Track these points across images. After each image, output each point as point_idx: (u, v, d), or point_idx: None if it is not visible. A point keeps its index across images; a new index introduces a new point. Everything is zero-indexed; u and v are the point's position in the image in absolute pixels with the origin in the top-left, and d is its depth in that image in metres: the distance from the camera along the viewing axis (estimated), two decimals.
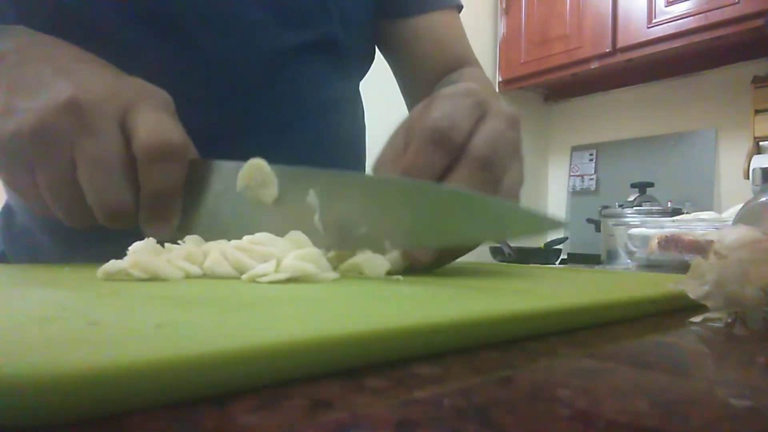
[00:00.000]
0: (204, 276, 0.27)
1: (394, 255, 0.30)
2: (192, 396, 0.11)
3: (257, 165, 0.32)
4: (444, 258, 0.34)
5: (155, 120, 0.32)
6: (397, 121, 0.35)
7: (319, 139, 0.51)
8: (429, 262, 0.32)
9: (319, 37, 0.49)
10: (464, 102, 0.32)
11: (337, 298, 0.21)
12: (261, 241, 0.28)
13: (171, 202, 0.33)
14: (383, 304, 0.19)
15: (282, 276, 0.25)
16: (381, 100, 0.64)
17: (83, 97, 0.31)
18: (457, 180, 0.30)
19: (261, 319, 0.15)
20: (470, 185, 0.30)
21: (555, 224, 0.26)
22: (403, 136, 0.33)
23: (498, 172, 0.31)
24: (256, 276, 0.25)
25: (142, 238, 0.28)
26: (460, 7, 0.62)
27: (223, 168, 0.34)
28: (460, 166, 0.31)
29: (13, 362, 0.10)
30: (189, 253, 0.27)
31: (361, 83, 0.60)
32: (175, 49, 0.43)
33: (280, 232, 0.29)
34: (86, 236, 0.45)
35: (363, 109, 0.60)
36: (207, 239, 0.30)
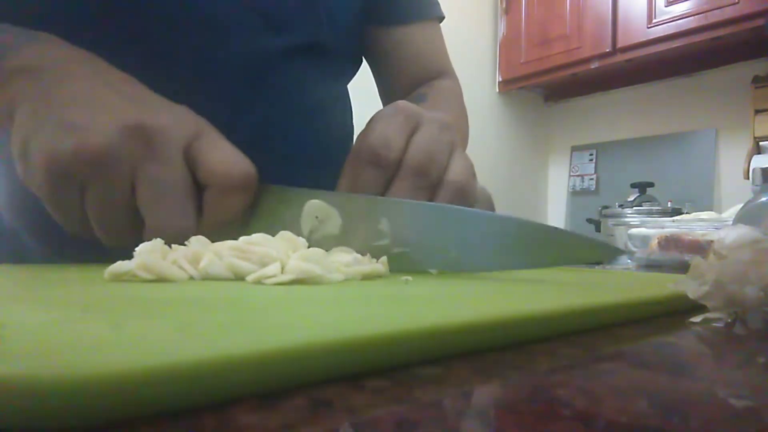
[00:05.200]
0: (207, 277, 0.27)
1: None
2: (226, 397, 0.11)
3: (315, 206, 0.33)
4: None
5: (228, 150, 0.33)
6: None
7: (308, 141, 0.51)
8: None
9: (306, 40, 0.49)
10: (396, 119, 0.36)
11: (354, 300, 0.20)
12: (257, 241, 0.28)
13: (230, 230, 0.34)
14: (403, 306, 0.19)
15: (288, 277, 0.24)
16: (369, 100, 0.65)
17: (151, 121, 0.31)
18: (397, 190, 0.34)
19: (285, 322, 0.15)
20: (409, 192, 0.34)
21: (614, 252, 0.29)
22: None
23: (434, 175, 0.35)
24: (262, 277, 0.25)
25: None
26: (441, 18, 0.63)
27: (275, 191, 0.35)
28: (397, 178, 0.34)
29: (44, 365, 0.09)
30: (195, 254, 0.27)
31: (349, 84, 0.61)
32: (160, 52, 0.43)
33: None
34: (74, 240, 0.45)
35: (351, 110, 0.61)
36: None
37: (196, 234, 0.32)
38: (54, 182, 0.30)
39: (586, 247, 0.28)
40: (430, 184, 0.35)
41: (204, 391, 0.11)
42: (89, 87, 0.32)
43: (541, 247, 0.29)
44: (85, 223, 0.32)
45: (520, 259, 0.30)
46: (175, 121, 0.32)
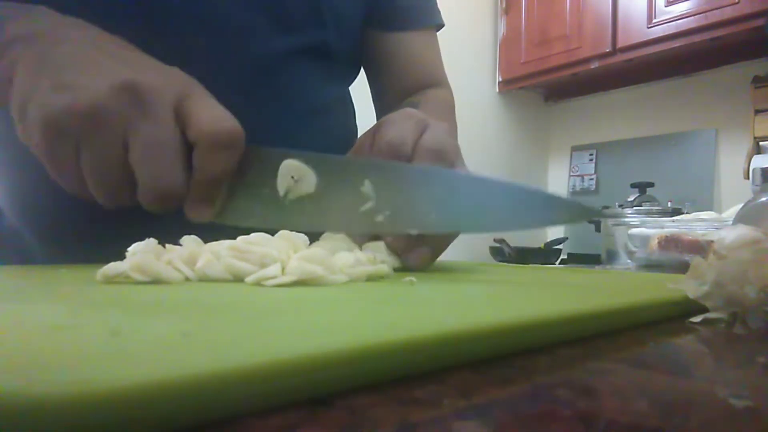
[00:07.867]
0: (204, 279, 0.26)
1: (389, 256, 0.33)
2: (234, 411, 0.10)
3: (290, 166, 0.34)
4: (435, 257, 0.37)
5: (216, 109, 0.34)
6: None
7: (311, 141, 0.51)
8: (423, 267, 0.36)
9: (311, 42, 0.50)
10: (407, 122, 0.38)
11: (361, 302, 0.20)
12: (256, 241, 0.27)
13: (219, 188, 0.34)
14: (415, 308, 0.19)
15: (289, 279, 0.24)
16: (370, 102, 0.65)
17: (142, 80, 0.31)
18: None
19: (295, 327, 0.15)
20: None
21: (593, 212, 0.31)
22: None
23: (450, 158, 0.36)
24: (261, 279, 0.24)
25: (134, 240, 0.28)
26: (440, 26, 0.63)
27: (265, 154, 0.35)
28: (415, 160, 0.36)
29: (42, 379, 0.09)
30: (190, 254, 0.27)
31: (351, 87, 0.61)
32: (167, 51, 0.43)
33: (321, 220, 0.32)
34: (75, 239, 0.45)
35: (354, 111, 0.61)
36: (245, 225, 0.31)
37: (186, 192, 0.33)
38: (50, 140, 0.31)
39: (564, 208, 0.30)
40: (449, 163, 0.36)
41: (216, 407, 0.10)
42: (82, 50, 0.33)
43: (523, 209, 0.31)
44: (81, 181, 0.33)
45: (503, 220, 0.32)
46: (165, 80, 0.33)
